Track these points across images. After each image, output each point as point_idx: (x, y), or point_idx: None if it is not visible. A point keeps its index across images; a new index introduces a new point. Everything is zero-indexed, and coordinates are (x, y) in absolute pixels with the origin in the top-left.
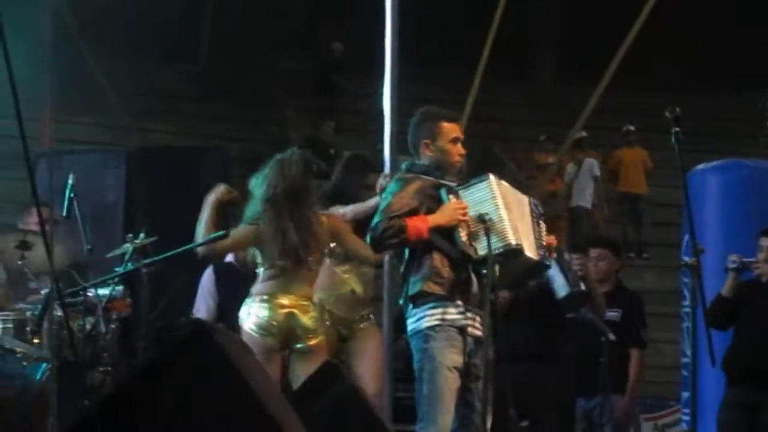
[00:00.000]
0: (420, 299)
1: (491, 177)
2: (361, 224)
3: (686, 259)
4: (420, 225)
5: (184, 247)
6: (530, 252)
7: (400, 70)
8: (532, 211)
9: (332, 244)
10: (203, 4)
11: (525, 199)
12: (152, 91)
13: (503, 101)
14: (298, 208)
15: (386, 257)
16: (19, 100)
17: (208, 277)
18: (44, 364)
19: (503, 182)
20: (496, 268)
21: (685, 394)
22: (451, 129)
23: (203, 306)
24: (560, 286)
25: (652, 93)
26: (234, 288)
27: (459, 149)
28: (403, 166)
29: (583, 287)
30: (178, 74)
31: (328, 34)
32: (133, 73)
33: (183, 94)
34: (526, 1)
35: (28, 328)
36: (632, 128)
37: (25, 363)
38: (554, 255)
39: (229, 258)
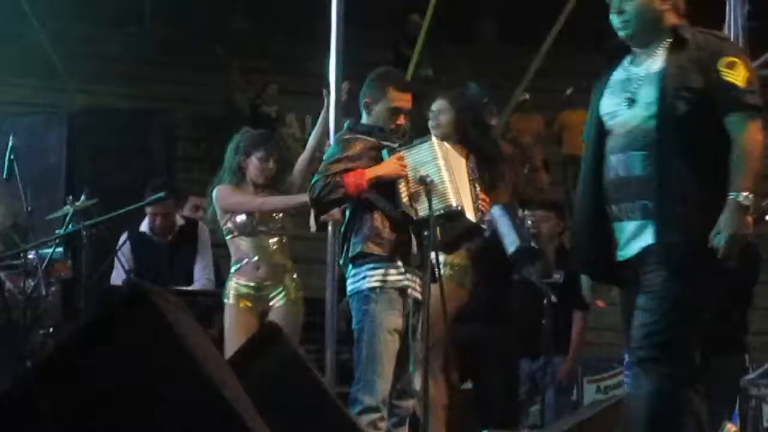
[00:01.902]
0: (360, 259)
1: (433, 138)
2: None
3: None
4: (358, 179)
5: (125, 209)
6: (470, 214)
7: (345, 33)
8: (469, 174)
9: None
10: None
11: (463, 161)
12: (96, 54)
13: (446, 64)
14: None
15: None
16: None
17: (123, 244)
18: None
19: (445, 144)
20: (437, 229)
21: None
22: (397, 97)
23: (119, 274)
24: (511, 242)
25: (596, 54)
26: (149, 257)
27: (399, 119)
28: (346, 125)
29: (534, 244)
30: (122, 36)
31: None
32: (76, 35)
33: (127, 56)
34: None
35: None
36: (570, 90)
37: None
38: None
39: (144, 227)
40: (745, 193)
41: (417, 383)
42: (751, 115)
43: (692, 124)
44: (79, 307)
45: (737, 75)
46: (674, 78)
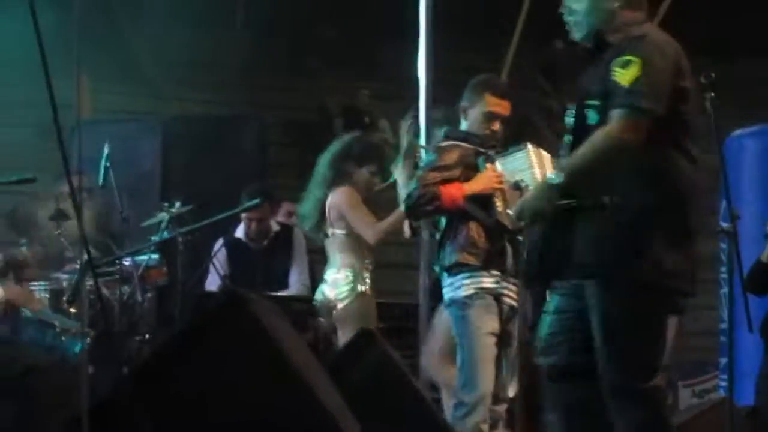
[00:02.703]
0: (456, 269)
1: (529, 146)
2: None
3: (723, 224)
4: (455, 192)
5: (221, 215)
6: None
7: (436, 38)
8: None
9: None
10: None
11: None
12: (189, 60)
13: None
14: None
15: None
16: (57, 69)
17: (219, 250)
18: (82, 338)
19: (542, 151)
20: None
21: (723, 360)
22: (493, 102)
23: (214, 280)
24: None
25: (691, 57)
26: (244, 263)
27: (495, 124)
28: (441, 132)
29: None
30: (214, 43)
31: (364, 2)
32: (170, 42)
33: (220, 62)
34: None
35: (64, 298)
36: None
37: (63, 337)
38: None
39: (239, 233)
40: (557, 173)
41: (510, 389)
42: (627, 113)
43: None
44: (175, 314)
45: (625, 74)
46: (585, 87)
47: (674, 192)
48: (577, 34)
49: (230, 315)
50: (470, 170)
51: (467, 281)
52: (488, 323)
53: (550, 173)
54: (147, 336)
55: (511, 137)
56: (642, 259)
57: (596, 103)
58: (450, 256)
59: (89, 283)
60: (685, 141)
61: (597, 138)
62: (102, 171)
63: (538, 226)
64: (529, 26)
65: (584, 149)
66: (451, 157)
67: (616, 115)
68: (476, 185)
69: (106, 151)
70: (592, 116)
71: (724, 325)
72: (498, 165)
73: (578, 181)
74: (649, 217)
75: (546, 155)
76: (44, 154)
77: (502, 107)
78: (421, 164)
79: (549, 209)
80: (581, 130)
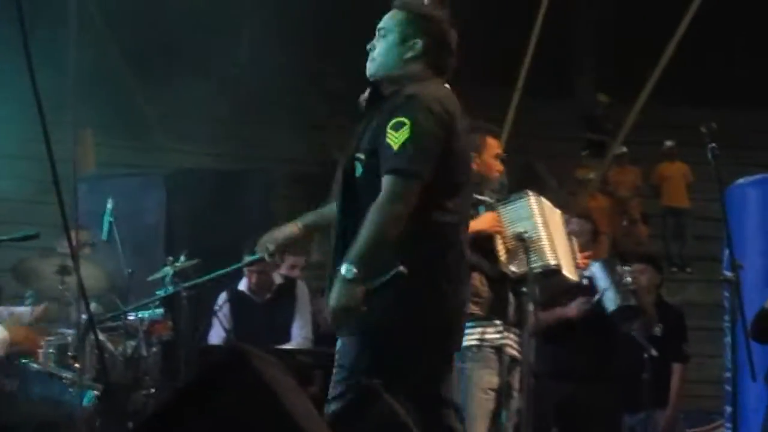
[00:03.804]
0: None
1: (530, 194)
2: None
3: (726, 273)
4: None
5: (224, 270)
6: (568, 272)
7: None
8: (565, 228)
9: None
10: (240, 31)
11: (558, 214)
12: (190, 113)
13: (544, 117)
14: None
15: None
16: (62, 123)
17: (223, 303)
18: (90, 391)
19: (542, 199)
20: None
21: (728, 408)
22: (494, 144)
23: (218, 333)
24: (610, 300)
25: (691, 107)
26: (248, 316)
27: (498, 165)
28: None
29: (634, 301)
30: (218, 95)
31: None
32: (171, 95)
33: (222, 115)
34: (564, 19)
35: (69, 353)
36: (672, 143)
37: (71, 389)
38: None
39: (242, 286)
40: (347, 265)
41: None
42: (394, 180)
43: (366, 186)
44: (180, 368)
45: (397, 137)
46: (357, 136)
47: (433, 253)
48: (368, 70)
49: (233, 370)
50: (471, 218)
51: (469, 331)
52: (485, 378)
53: (345, 266)
54: (152, 390)
55: (515, 184)
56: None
57: (362, 157)
58: None
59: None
60: (450, 202)
61: (371, 215)
62: (106, 225)
63: (352, 321)
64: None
65: (364, 231)
66: None
67: (385, 182)
68: (479, 224)
69: (109, 205)
70: (358, 169)
71: (728, 374)
72: (499, 211)
73: (372, 262)
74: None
75: (547, 203)
76: (48, 208)
77: (500, 147)
78: None
79: (357, 303)
80: (348, 182)
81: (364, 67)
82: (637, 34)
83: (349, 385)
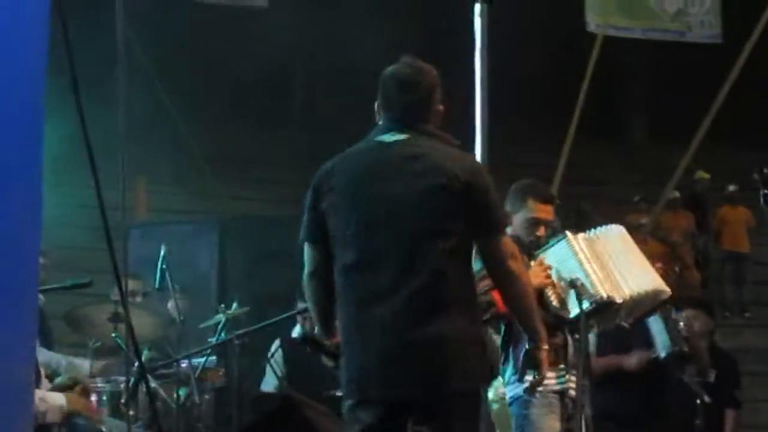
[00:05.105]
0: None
1: (568, 234)
2: None
3: None
4: None
5: (276, 318)
6: (621, 295)
7: (490, 134)
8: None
9: None
10: (293, 73)
11: (617, 234)
12: (245, 159)
13: (596, 162)
14: None
15: None
16: (114, 170)
17: (275, 350)
18: None
19: (580, 236)
20: (594, 328)
21: None
22: (536, 208)
23: (271, 380)
24: (662, 346)
25: (749, 150)
26: (301, 363)
27: (539, 230)
28: None
29: (686, 347)
30: (270, 141)
31: None
32: (226, 141)
33: (276, 161)
34: (617, 61)
35: (121, 401)
36: (735, 188)
37: None
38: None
39: (295, 333)
40: None
41: None
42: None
43: None
44: (233, 415)
45: None
46: None
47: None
48: None
49: (285, 418)
50: None
51: (530, 377)
52: (549, 424)
53: None
54: None
55: (571, 228)
56: None
57: None
58: (516, 359)
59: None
60: (339, 252)
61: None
62: (158, 272)
63: None
64: (584, 119)
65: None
66: None
67: None
68: None
69: (162, 252)
70: None
71: None
72: (542, 258)
73: None
74: None
75: (584, 236)
76: (104, 255)
77: (546, 212)
78: None
79: None
80: None
81: None
82: (690, 74)
83: None
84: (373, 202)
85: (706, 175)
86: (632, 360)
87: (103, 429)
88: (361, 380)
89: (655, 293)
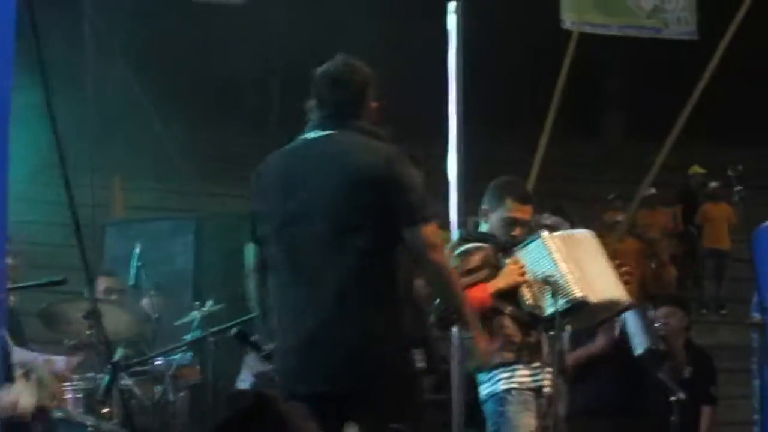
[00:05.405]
0: (496, 367)
1: (544, 233)
2: None
3: (755, 315)
4: (481, 295)
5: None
6: (597, 297)
7: (466, 131)
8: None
9: None
10: (273, 71)
11: (586, 238)
12: (221, 156)
13: (572, 160)
14: None
15: None
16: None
17: None
18: None
19: (555, 235)
20: (568, 326)
21: None
22: (514, 208)
23: (247, 377)
24: (639, 343)
25: (728, 146)
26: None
27: (516, 230)
28: (456, 235)
29: (663, 346)
30: (248, 139)
31: (394, 97)
32: (202, 139)
33: (254, 159)
34: (593, 58)
35: (97, 398)
36: (717, 184)
37: None
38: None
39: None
40: None
41: None
42: None
43: None
44: (208, 412)
45: None
46: None
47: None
48: None
49: (258, 415)
50: (495, 270)
51: (505, 375)
52: (525, 421)
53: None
54: None
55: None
56: None
57: None
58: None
59: (122, 382)
60: (269, 252)
61: None
62: (133, 270)
63: None
64: (560, 117)
65: None
66: (475, 260)
67: None
68: (501, 281)
69: (137, 250)
70: None
71: (756, 416)
72: (518, 257)
73: None
74: None
75: (561, 236)
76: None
77: (524, 212)
78: None
79: None
80: None
81: (394, 110)
82: (666, 71)
83: None
84: (291, 200)
85: (701, 170)
86: (598, 344)
87: (81, 421)
88: (286, 376)
89: (617, 303)
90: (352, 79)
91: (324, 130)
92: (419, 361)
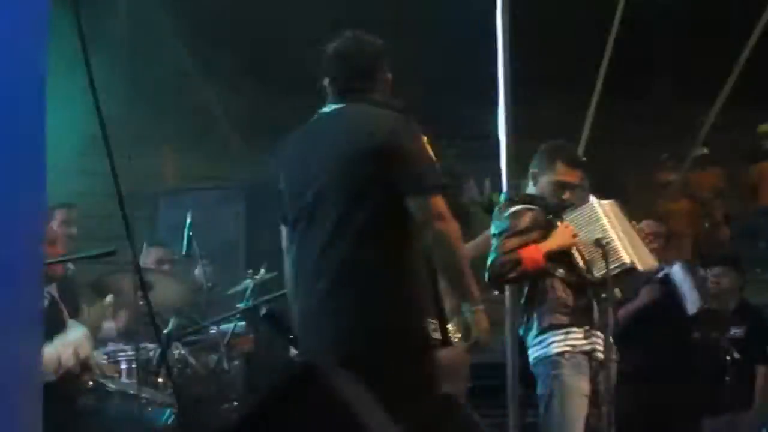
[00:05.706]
0: (548, 330)
1: (593, 199)
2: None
3: None
4: (535, 255)
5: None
6: (644, 264)
7: (515, 93)
8: (632, 223)
9: None
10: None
11: (620, 209)
12: (271, 125)
13: (622, 122)
14: None
15: None
16: (141, 138)
17: None
18: (168, 409)
19: (604, 201)
20: (617, 291)
21: None
22: (564, 171)
23: None
24: (692, 302)
25: None
26: None
27: (565, 194)
28: (502, 197)
29: (714, 305)
30: (295, 107)
31: (439, 59)
32: (250, 106)
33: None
34: (643, 18)
35: (151, 369)
36: None
37: (149, 408)
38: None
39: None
40: None
41: None
42: None
43: None
44: (263, 380)
45: None
46: None
47: None
48: None
49: (308, 384)
50: (545, 231)
51: (558, 338)
52: (580, 384)
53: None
54: (235, 403)
55: (596, 192)
56: None
57: None
58: (542, 320)
59: (176, 352)
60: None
61: None
62: (186, 240)
63: None
64: (609, 79)
65: None
66: (525, 221)
67: None
68: (553, 242)
69: (188, 219)
70: None
71: None
72: (569, 221)
73: None
74: None
75: (609, 203)
76: (132, 222)
77: (574, 176)
78: (495, 232)
79: None
80: None
81: (439, 73)
82: (714, 33)
83: None
84: (304, 175)
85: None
86: (643, 297)
87: (135, 392)
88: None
89: (652, 272)
90: (360, 52)
91: (333, 104)
92: (433, 331)
